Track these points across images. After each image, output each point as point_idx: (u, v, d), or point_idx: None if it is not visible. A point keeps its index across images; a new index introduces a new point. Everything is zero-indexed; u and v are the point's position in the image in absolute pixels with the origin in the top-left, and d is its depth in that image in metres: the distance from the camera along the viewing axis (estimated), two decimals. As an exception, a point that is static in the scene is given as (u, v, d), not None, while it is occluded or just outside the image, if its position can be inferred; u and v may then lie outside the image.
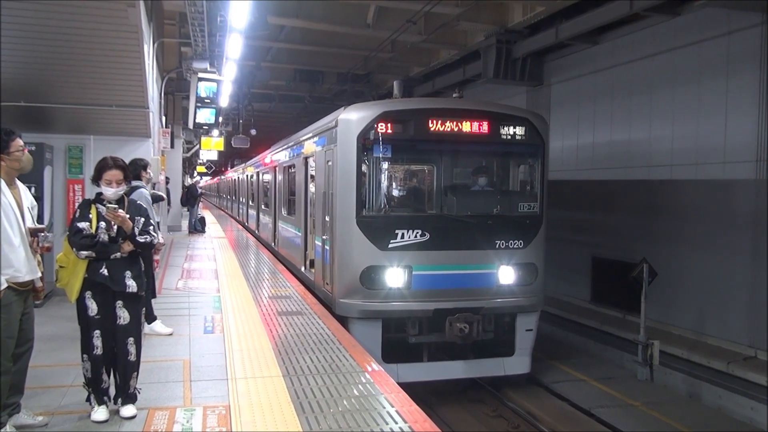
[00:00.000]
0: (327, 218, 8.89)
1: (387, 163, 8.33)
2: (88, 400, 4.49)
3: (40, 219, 5.12)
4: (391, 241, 8.07)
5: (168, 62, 14.74)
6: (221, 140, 25.84)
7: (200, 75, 13.88)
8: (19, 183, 4.36)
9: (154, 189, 9.03)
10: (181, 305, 8.54)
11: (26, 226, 4.23)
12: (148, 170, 6.96)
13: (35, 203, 4.56)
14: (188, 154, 27.96)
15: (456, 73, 16.75)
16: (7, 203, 4.07)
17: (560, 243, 12.59)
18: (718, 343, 9.79)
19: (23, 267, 4.12)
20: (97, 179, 4.53)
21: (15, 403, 4.26)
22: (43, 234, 4.39)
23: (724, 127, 9.93)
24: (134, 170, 6.21)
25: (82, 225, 4.36)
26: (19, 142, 4.20)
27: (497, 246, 8.42)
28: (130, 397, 4.54)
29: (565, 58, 13.89)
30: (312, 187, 10.48)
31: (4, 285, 3.95)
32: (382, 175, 8.35)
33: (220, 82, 14.78)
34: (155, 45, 10.71)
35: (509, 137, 8.57)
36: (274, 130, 29.78)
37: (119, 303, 4.45)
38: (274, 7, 12.92)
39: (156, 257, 6.41)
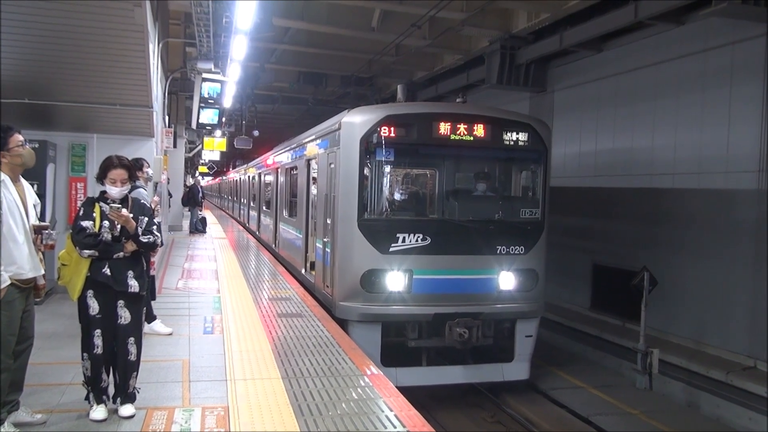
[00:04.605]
0: (328, 221, 8.89)
1: (389, 166, 8.34)
2: (87, 398, 4.49)
3: (42, 216, 5.13)
4: (392, 245, 8.08)
5: (172, 62, 14.77)
6: (224, 141, 25.85)
7: (204, 75, 13.88)
8: (23, 180, 4.37)
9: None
10: (181, 305, 8.55)
11: (30, 223, 4.23)
12: (145, 169, 6.95)
13: (38, 200, 4.57)
14: (191, 154, 27.98)
15: (460, 78, 16.75)
16: (11, 200, 4.08)
17: (561, 249, 12.58)
18: (718, 353, 9.77)
19: (26, 264, 4.12)
20: (101, 178, 4.53)
21: (14, 401, 4.26)
22: (47, 231, 4.39)
23: (727, 136, 9.92)
24: None
25: (86, 224, 4.36)
26: (18, 137, 4.20)
27: (498, 251, 8.42)
28: (129, 397, 4.55)
29: (569, 65, 13.90)
30: (314, 190, 10.48)
31: (7, 282, 3.96)
32: (385, 179, 8.36)
33: (224, 82, 14.78)
34: (160, 45, 10.72)
35: (512, 143, 8.58)
36: (277, 131, 29.79)
37: (121, 303, 4.46)
38: (280, 9, 12.95)
39: (152, 258, 6.40)
